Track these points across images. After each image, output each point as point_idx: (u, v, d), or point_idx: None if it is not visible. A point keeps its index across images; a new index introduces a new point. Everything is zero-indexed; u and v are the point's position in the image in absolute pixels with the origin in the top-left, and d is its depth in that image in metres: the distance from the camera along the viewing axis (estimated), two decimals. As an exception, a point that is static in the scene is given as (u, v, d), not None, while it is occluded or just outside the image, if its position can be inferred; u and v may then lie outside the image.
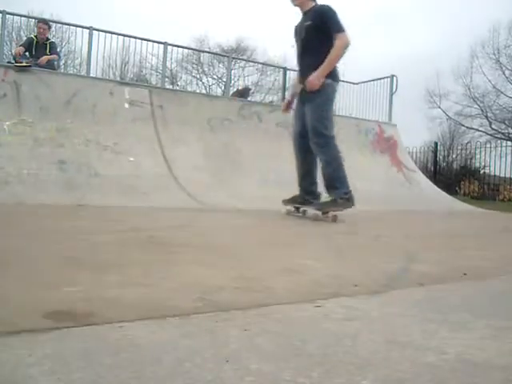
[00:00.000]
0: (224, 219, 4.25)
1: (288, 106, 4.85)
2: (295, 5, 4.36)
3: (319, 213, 4.32)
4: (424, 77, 36.45)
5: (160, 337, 1.04)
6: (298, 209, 4.67)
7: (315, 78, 4.10)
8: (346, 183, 4.26)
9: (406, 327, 1.20)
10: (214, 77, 27.82)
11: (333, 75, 4.23)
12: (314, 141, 4.22)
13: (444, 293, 1.64)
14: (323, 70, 4.10)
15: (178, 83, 24.04)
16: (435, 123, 28.61)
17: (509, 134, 24.84)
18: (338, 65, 4.29)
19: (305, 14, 4.33)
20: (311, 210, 4.47)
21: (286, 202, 4.70)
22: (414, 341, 1.09)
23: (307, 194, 4.51)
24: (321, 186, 4.50)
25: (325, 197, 4.37)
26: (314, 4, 4.31)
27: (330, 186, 4.25)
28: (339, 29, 4.09)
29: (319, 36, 4.14)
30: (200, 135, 7.08)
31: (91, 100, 6.39)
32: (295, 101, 4.69)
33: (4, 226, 2.99)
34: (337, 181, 4.22)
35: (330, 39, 4.08)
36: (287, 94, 5.02)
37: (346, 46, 4.12)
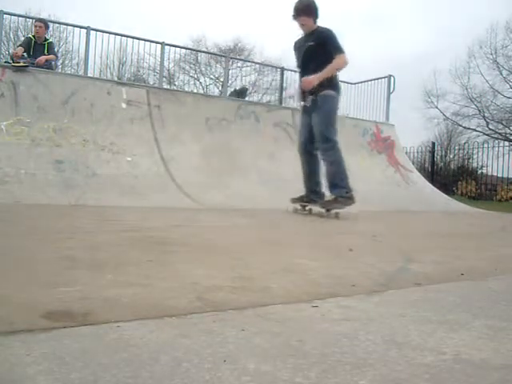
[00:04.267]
0: (222, 219, 4.25)
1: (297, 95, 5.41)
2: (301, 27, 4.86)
3: (323, 210, 4.78)
4: (422, 77, 36.46)
5: (157, 336, 1.04)
6: (304, 207, 5.12)
7: (312, 79, 4.66)
8: (347, 183, 4.72)
9: (403, 327, 1.20)
10: (212, 77, 27.83)
11: (336, 88, 4.85)
12: (323, 145, 4.75)
13: (441, 293, 1.64)
14: (320, 76, 4.66)
15: (176, 83, 24.04)
16: (433, 123, 28.67)
17: (506, 134, 24.89)
18: (339, 80, 4.98)
19: (307, 34, 4.84)
20: (316, 208, 4.92)
21: (294, 200, 5.11)
22: (411, 341, 1.09)
23: (312, 193, 4.98)
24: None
25: (328, 196, 4.85)
26: (316, 26, 4.80)
27: (332, 185, 4.72)
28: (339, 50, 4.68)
29: (319, 55, 4.68)
30: (197, 135, 7.08)
31: (89, 100, 6.39)
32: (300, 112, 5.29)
33: (2, 225, 2.99)
34: (339, 180, 4.69)
35: (328, 59, 4.65)
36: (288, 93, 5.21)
37: (342, 66, 4.76)
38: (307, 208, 5.06)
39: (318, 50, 4.67)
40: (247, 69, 23.84)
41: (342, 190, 4.64)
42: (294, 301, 1.42)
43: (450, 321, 1.28)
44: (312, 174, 5.02)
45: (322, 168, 4.94)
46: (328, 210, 4.71)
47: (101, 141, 6.11)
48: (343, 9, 53.25)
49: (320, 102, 4.74)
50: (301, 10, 4.75)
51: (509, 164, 13.23)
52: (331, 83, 4.76)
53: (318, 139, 4.76)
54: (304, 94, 4.93)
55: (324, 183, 4.95)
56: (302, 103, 5.08)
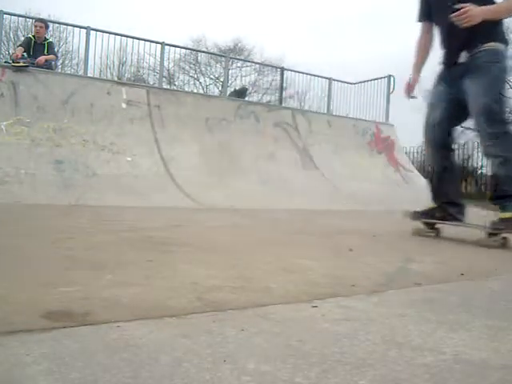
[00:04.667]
0: (221, 219, 4.24)
1: (411, 90, 3.63)
2: None
3: (481, 233, 3.16)
4: (422, 77, 36.42)
5: (157, 337, 1.04)
6: (432, 226, 3.53)
7: (476, 11, 2.94)
8: None
9: (403, 327, 1.20)
10: (212, 77, 27.79)
11: (505, 40, 3.19)
12: (489, 129, 3.07)
13: (441, 293, 1.64)
14: (489, 10, 3.00)
15: (176, 83, 24.02)
16: (432, 123, 28.60)
17: (506, 134, 24.88)
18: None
19: None
20: (459, 228, 3.47)
21: (416, 215, 3.62)
22: (411, 341, 1.09)
23: (451, 206, 3.41)
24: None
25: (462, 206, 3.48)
26: None
27: (507, 196, 3.10)
28: None
29: None
30: (197, 135, 7.09)
31: (88, 100, 6.39)
32: (419, 85, 3.65)
33: (1, 225, 2.99)
34: None
35: None
36: (412, 76, 3.63)
37: None
38: (435, 226, 3.52)
39: None
40: (247, 69, 23.84)
41: None
42: (293, 301, 1.42)
43: (450, 321, 1.28)
44: (449, 176, 3.43)
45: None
46: (493, 235, 3.07)
47: (101, 141, 6.12)
48: (343, 8, 53.29)
49: (483, 59, 3.07)
50: None
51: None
52: (499, 33, 3.16)
53: (478, 119, 3.12)
54: (451, 45, 3.29)
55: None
56: (442, 64, 3.41)
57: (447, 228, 3.49)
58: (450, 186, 3.45)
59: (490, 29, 3.04)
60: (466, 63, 3.15)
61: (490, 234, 3.09)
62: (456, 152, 3.38)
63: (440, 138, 3.38)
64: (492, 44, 3.08)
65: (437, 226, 3.51)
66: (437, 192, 3.47)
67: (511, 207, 3.06)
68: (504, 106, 3.18)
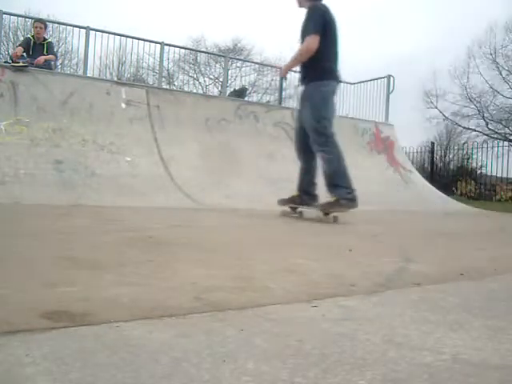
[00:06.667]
0: (221, 219, 4.25)
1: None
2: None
3: (320, 213, 4.28)
4: (421, 77, 36.48)
5: (157, 337, 1.04)
6: (294, 209, 4.65)
7: (284, 66, 4.83)
8: (348, 182, 4.16)
9: (402, 327, 1.20)
10: (211, 77, 27.82)
11: (326, 75, 4.29)
12: (314, 139, 4.23)
13: (441, 293, 1.64)
14: (289, 62, 4.56)
15: (175, 83, 24.04)
16: (432, 123, 28.67)
17: (505, 134, 24.91)
18: (335, 65, 4.38)
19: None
20: (310, 211, 4.45)
21: (282, 202, 4.68)
22: (410, 341, 1.09)
23: (305, 195, 4.51)
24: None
25: (326, 197, 4.31)
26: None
27: (331, 186, 4.18)
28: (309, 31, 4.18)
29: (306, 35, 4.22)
30: (197, 135, 7.08)
31: (88, 100, 6.39)
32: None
33: (1, 225, 2.98)
34: (339, 180, 4.14)
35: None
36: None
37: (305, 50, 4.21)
38: (298, 211, 4.62)
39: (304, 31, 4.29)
40: (246, 69, 23.87)
41: (342, 191, 4.11)
42: (293, 301, 1.42)
43: (450, 321, 1.28)
44: (306, 172, 4.56)
45: (319, 167, 4.42)
46: (326, 214, 4.23)
47: (100, 141, 6.12)
48: (343, 8, 53.26)
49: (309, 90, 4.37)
50: None
51: (508, 164, 13.25)
52: (320, 72, 4.29)
53: (309, 133, 4.35)
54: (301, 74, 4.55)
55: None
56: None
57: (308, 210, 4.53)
58: (306, 180, 4.53)
59: (312, 69, 4.25)
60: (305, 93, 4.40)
61: (326, 214, 4.25)
62: (314, 155, 4.37)
63: (301, 143, 4.50)
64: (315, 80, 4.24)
65: (299, 209, 4.62)
66: (298, 184, 4.58)
67: (334, 194, 4.13)
68: (325, 122, 4.20)
